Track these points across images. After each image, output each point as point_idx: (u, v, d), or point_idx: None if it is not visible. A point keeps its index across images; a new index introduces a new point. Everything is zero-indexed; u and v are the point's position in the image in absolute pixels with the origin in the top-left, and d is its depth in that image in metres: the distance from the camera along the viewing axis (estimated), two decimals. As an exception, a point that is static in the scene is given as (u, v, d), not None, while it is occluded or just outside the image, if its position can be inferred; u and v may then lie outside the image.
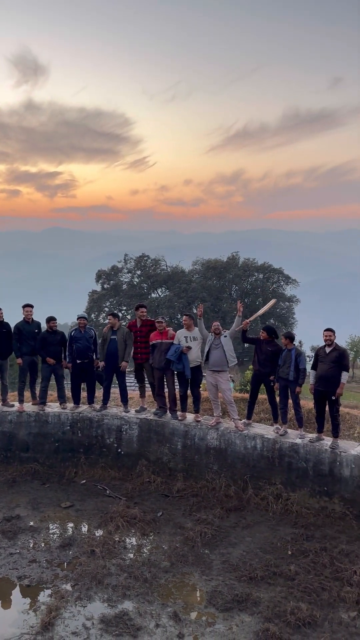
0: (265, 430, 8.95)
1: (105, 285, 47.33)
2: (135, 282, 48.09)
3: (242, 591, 6.16)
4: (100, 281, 47.51)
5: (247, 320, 9.14)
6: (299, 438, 8.53)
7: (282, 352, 8.75)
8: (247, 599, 6.02)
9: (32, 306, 9.97)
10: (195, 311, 38.43)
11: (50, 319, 9.81)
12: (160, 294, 47.26)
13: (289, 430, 8.88)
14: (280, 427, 8.92)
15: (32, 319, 9.91)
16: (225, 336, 8.98)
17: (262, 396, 10.01)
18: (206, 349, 9.05)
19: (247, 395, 10.22)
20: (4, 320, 9.83)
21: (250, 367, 10.38)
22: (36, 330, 9.88)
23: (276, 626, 5.55)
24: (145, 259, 48.68)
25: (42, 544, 7.25)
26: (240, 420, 9.12)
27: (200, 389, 9.82)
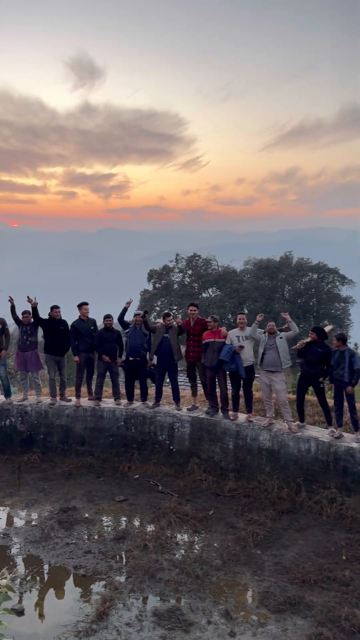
0: (319, 433, 8.80)
1: (157, 285, 47.68)
2: (186, 282, 48.20)
3: (294, 594, 6.11)
4: (152, 280, 47.91)
5: (303, 341, 8.97)
6: (356, 442, 8.34)
7: (332, 353, 8.58)
8: (299, 602, 5.97)
9: (87, 304, 10.23)
10: (246, 311, 38.14)
11: (106, 317, 10.03)
12: (211, 293, 47.15)
13: (345, 434, 8.69)
14: (335, 430, 8.75)
15: (88, 316, 10.16)
16: (281, 337, 8.90)
17: (315, 398, 9.85)
18: (261, 350, 9.00)
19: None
20: (62, 319, 10.15)
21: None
22: (92, 328, 10.13)
23: (330, 631, 5.47)
24: (196, 258, 48.69)
25: (97, 536, 7.44)
26: (294, 422, 9.01)
27: (253, 389, 9.77)
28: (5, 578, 2.24)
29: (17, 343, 10.21)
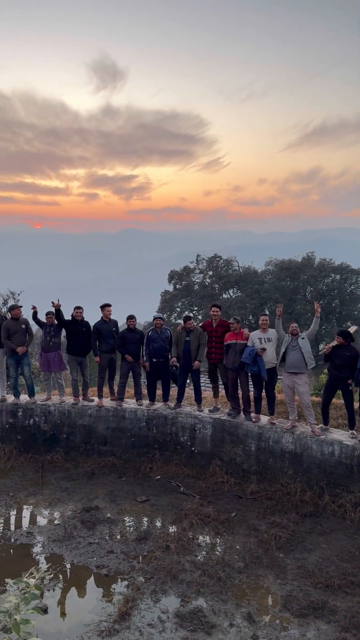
0: (343, 436, 8.69)
1: (178, 286, 47.77)
2: (206, 283, 48.19)
3: (318, 598, 6.05)
4: (173, 281, 48.02)
5: (330, 346, 8.89)
6: (380, 445, 8.23)
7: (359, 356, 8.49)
8: (323, 607, 5.91)
9: (110, 305, 10.30)
10: (267, 312, 37.95)
11: (130, 318, 10.09)
12: (231, 294, 47.05)
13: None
14: (355, 433, 8.65)
15: (110, 318, 10.23)
16: (303, 338, 8.82)
17: (339, 401, 9.75)
18: (282, 350, 8.94)
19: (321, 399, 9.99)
20: (84, 319, 10.24)
21: (325, 370, 10.09)
22: (114, 329, 10.19)
23: (354, 637, 5.41)
24: (217, 259, 48.65)
25: (119, 536, 7.48)
26: (317, 425, 8.92)
27: (275, 391, 9.70)
28: (35, 577, 2.27)
29: (40, 344, 10.33)
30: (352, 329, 10.98)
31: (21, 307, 10.35)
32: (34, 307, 10.10)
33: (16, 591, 2.20)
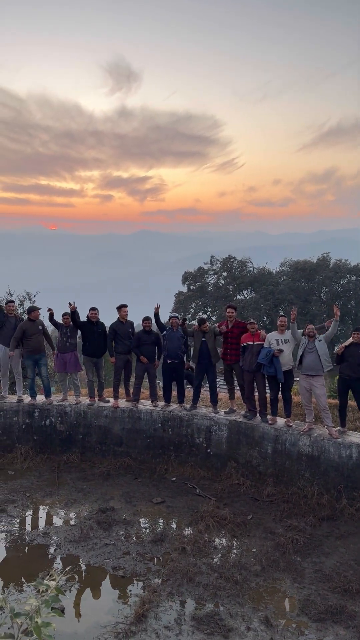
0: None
1: (192, 287, 47.72)
2: (221, 284, 48.05)
3: (336, 603, 5.98)
4: (187, 282, 47.98)
5: (342, 345, 8.79)
6: None
7: None
8: (341, 612, 5.84)
9: (127, 306, 10.32)
10: (282, 313, 37.74)
11: (145, 319, 10.09)
12: (246, 295, 46.85)
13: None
14: None
15: (126, 319, 10.25)
16: (320, 340, 8.73)
17: (354, 403, 9.64)
18: (300, 353, 8.86)
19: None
20: (99, 320, 10.26)
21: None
22: (130, 330, 10.20)
23: (374, 643, 5.33)
24: (231, 260, 48.47)
25: (135, 537, 7.46)
26: (335, 427, 8.84)
27: (291, 392, 9.63)
28: (55, 579, 2.26)
29: (56, 345, 10.38)
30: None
31: (39, 309, 10.42)
32: (50, 310, 10.15)
33: (36, 593, 2.19)
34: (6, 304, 10.55)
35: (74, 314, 9.99)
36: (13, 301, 10.91)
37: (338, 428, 8.90)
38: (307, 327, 8.90)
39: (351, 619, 5.75)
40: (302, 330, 8.96)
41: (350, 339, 8.69)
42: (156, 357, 10.11)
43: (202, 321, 9.89)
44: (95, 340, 10.14)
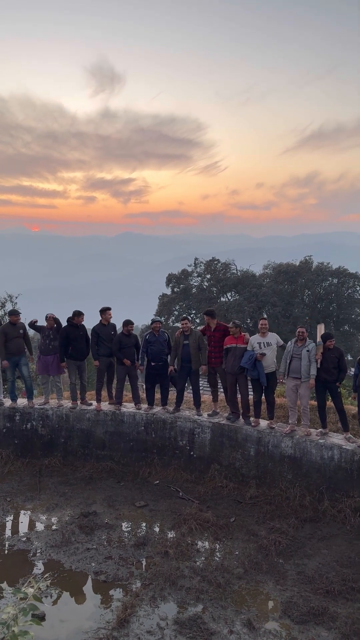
0: (343, 440, 8.67)
1: (175, 289, 47.72)
2: (204, 286, 48.12)
3: (318, 604, 6.01)
4: (171, 285, 47.97)
5: (320, 354, 8.85)
6: (380, 450, 8.20)
7: (344, 355, 8.59)
8: (323, 613, 5.87)
9: (110, 309, 10.27)
10: (265, 316, 37.93)
11: (128, 323, 10.06)
12: (229, 298, 46.99)
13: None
14: (351, 436, 8.65)
15: (109, 321, 10.19)
16: (309, 350, 8.76)
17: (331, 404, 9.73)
18: (289, 357, 8.91)
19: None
20: (82, 324, 10.20)
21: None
22: (112, 333, 10.14)
23: (355, 644, 5.36)
24: (215, 263, 48.60)
25: (117, 542, 7.41)
26: (315, 429, 8.89)
27: (274, 395, 9.67)
28: (33, 587, 2.22)
29: (38, 347, 10.27)
30: (320, 327, 10.76)
31: (20, 313, 10.32)
32: (34, 320, 10.19)
33: (15, 601, 2.15)
34: None
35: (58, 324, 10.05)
36: None
37: (320, 430, 8.97)
38: (298, 330, 8.97)
39: (333, 621, 5.78)
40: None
41: (319, 342, 8.84)
42: (136, 359, 10.08)
43: (182, 318, 10.01)
44: (78, 344, 10.06)
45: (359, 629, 5.59)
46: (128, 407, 10.38)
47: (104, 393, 10.54)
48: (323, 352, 8.78)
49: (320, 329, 11.57)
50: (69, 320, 10.11)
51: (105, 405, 10.34)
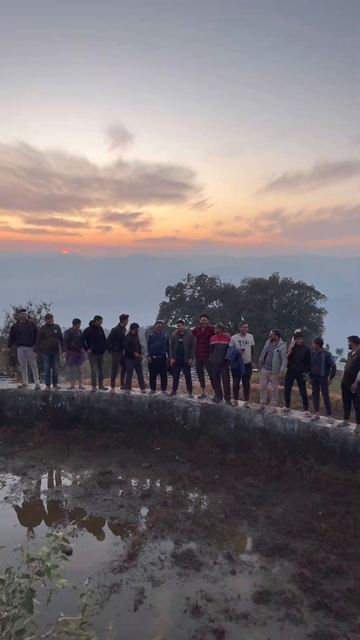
0: (302, 416, 8.75)
1: (173, 298, 47.62)
2: (195, 296, 48.08)
3: (281, 541, 6.07)
4: (169, 295, 47.89)
5: (290, 348, 8.84)
6: (329, 423, 8.29)
7: (312, 353, 8.58)
8: (285, 548, 5.93)
9: (128, 317, 10.20)
10: (243, 319, 37.88)
11: (135, 326, 10.06)
12: (215, 305, 46.98)
13: (321, 417, 8.64)
14: (310, 413, 8.72)
15: (125, 327, 10.13)
16: (279, 350, 8.82)
17: (295, 388, 9.81)
18: (264, 353, 8.96)
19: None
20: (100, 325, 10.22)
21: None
22: (125, 334, 10.17)
23: (309, 571, 5.44)
24: (203, 277, 48.58)
25: (127, 494, 7.43)
26: (280, 407, 8.96)
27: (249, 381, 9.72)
28: (62, 530, 2.28)
29: (67, 344, 10.24)
30: (298, 330, 10.72)
31: (52, 316, 10.34)
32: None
33: (48, 541, 2.22)
34: (18, 312, 10.39)
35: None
36: (24, 310, 10.71)
37: (284, 408, 9.04)
38: (272, 331, 9.01)
39: (293, 554, 5.84)
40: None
41: (294, 342, 8.87)
42: (141, 352, 10.11)
43: (178, 322, 10.04)
44: (98, 342, 10.11)
45: (312, 560, 5.65)
46: (136, 391, 10.42)
47: (117, 380, 10.56)
48: (294, 347, 8.83)
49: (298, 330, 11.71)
50: (90, 323, 10.14)
51: (118, 390, 10.37)
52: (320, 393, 8.59)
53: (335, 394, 10.13)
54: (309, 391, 9.05)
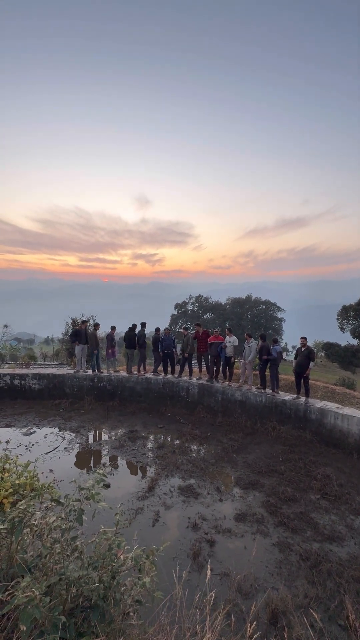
0: (269, 393, 8.65)
1: (179, 311, 47.74)
2: (195, 310, 48.16)
3: (254, 479, 5.97)
4: (177, 309, 48.02)
5: (259, 346, 8.74)
6: (287, 396, 8.18)
7: (269, 348, 8.56)
8: (257, 484, 5.83)
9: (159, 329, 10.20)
10: (227, 325, 37.75)
11: (158, 330, 10.04)
12: (208, 316, 47.00)
13: (281, 392, 8.54)
14: (272, 391, 8.62)
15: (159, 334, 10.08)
16: (250, 346, 8.78)
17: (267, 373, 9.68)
18: (242, 348, 8.94)
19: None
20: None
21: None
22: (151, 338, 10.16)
23: (273, 499, 5.35)
24: (200, 297, 48.70)
25: (148, 445, 7.36)
26: (255, 386, 8.86)
27: (233, 368, 9.65)
28: (103, 470, 2.30)
29: (108, 343, 10.22)
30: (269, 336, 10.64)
31: (99, 324, 10.41)
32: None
33: (93, 477, 2.23)
34: (82, 323, 10.52)
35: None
36: (87, 321, 10.85)
37: (258, 386, 8.93)
38: (246, 335, 8.99)
39: (262, 487, 5.74)
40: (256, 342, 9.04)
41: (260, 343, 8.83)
42: (155, 349, 10.10)
43: (185, 328, 10.01)
44: (130, 341, 10.11)
45: (275, 492, 5.55)
46: (153, 375, 10.38)
47: (141, 367, 10.54)
48: (261, 347, 8.79)
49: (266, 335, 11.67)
50: (129, 328, 10.18)
51: (141, 374, 10.35)
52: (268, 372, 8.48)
53: (288, 376, 10.01)
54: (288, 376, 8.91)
